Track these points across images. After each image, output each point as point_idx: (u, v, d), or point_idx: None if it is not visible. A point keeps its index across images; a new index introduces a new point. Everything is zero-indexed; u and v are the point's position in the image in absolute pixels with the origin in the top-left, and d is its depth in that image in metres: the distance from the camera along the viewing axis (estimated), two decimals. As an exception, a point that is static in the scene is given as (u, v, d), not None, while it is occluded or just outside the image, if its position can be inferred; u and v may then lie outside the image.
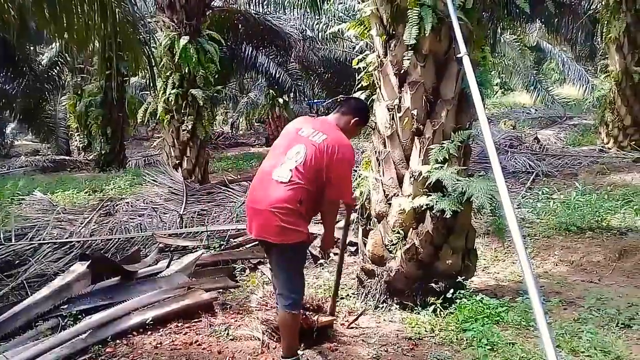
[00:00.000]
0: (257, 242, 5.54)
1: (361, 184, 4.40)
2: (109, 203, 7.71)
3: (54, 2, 4.94)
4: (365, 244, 4.18)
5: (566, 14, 13.13)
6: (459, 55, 3.31)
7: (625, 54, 9.52)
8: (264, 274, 4.83)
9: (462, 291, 3.75)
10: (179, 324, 3.76)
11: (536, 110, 16.84)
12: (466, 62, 3.17)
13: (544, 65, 21.97)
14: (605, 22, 10.03)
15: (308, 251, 5.37)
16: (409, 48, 3.77)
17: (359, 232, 4.36)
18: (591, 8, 12.13)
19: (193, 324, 3.78)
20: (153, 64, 6.24)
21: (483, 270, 5.01)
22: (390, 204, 3.94)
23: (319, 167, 2.86)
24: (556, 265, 4.95)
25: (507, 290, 4.30)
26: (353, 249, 5.40)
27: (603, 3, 9.77)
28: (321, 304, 3.53)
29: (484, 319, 3.50)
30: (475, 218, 4.49)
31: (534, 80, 17.05)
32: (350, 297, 4.21)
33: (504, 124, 14.37)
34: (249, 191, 3.07)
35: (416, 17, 3.63)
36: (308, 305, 3.44)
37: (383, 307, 3.91)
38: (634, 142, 9.54)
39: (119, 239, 5.81)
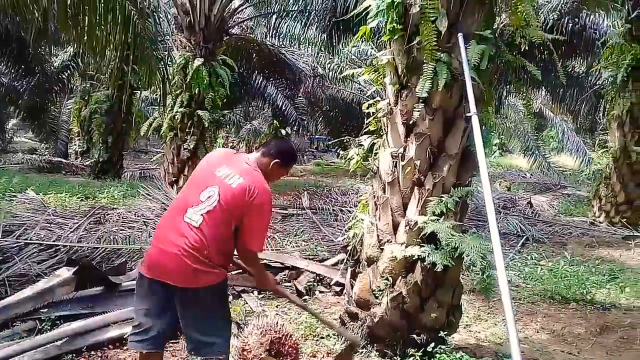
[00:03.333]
0: (239, 271, 5.56)
1: (356, 225, 4.43)
2: (100, 211, 7.68)
3: (77, 9, 5.07)
4: (352, 286, 4.18)
5: (572, 86, 13.43)
6: (468, 114, 3.40)
7: (625, 132, 9.71)
8: (247, 303, 4.80)
9: (443, 346, 3.74)
10: (156, 344, 3.71)
11: (532, 175, 17.03)
12: (475, 121, 3.26)
13: (544, 132, 22.35)
14: (610, 99, 10.27)
15: (293, 285, 5.37)
16: (420, 100, 3.85)
17: (347, 274, 4.36)
18: (597, 83, 12.41)
19: (171, 344, 3.74)
20: (166, 81, 6.33)
21: (465, 327, 5.00)
22: (382, 249, 3.97)
23: (233, 211, 2.69)
24: (537, 332, 4.94)
25: (486, 351, 4.29)
26: (338, 289, 5.40)
27: (610, 80, 10.01)
28: (286, 347, 3.34)
29: (462, 378, 3.49)
30: (463, 274, 4.52)
31: (533, 145, 17.29)
32: (331, 337, 4.18)
33: (499, 184, 14.52)
34: (157, 228, 2.84)
35: (431, 71, 3.73)
36: (269, 345, 3.29)
37: (362, 352, 3.89)
38: (625, 219, 9.64)
39: (105, 248, 5.77)
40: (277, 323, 3.34)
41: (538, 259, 7.14)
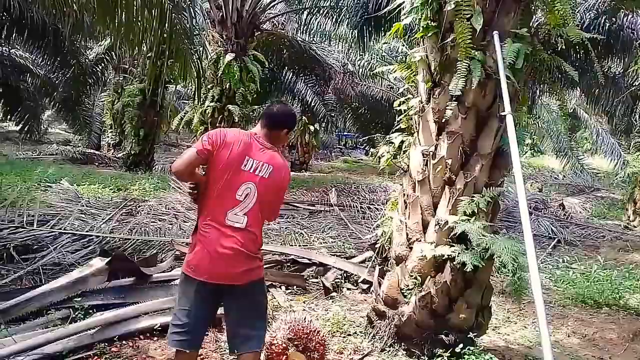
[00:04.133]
0: (271, 264, 5.60)
1: (385, 223, 4.42)
2: (131, 203, 7.82)
3: (115, 3, 5.14)
4: (380, 285, 4.17)
5: (608, 86, 13.10)
6: (503, 113, 3.35)
7: (662, 135, 9.44)
8: (275, 298, 4.83)
9: (472, 348, 3.70)
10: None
11: (564, 176, 16.69)
12: (509, 121, 3.21)
13: (578, 133, 21.85)
14: (647, 101, 10.00)
15: (321, 281, 5.38)
16: (453, 98, 3.82)
17: (376, 272, 4.35)
18: (634, 84, 12.08)
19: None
20: (200, 76, 6.40)
21: (494, 329, 4.94)
22: (411, 248, 3.94)
23: (270, 199, 2.76)
24: (568, 336, 4.85)
25: (515, 354, 4.23)
26: (365, 286, 5.39)
27: (647, 82, 9.76)
28: (314, 342, 3.33)
29: (490, 379, 3.45)
30: (493, 276, 4.46)
31: (566, 146, 16.92)
32: (358, 335, 4.18)
33: (531, 185, 14.27)
34: (200, 230, 2.71)
35: (465, 69, 3.69)
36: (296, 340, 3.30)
37: (389, 350, 3.88)
38: (660, 224, 9.41)
39: (137, 240, 5.88)
40: (304, 319, 3.35)
41: (570, 262, 7.01)
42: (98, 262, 3.99)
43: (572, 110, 17.96)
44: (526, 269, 3.82)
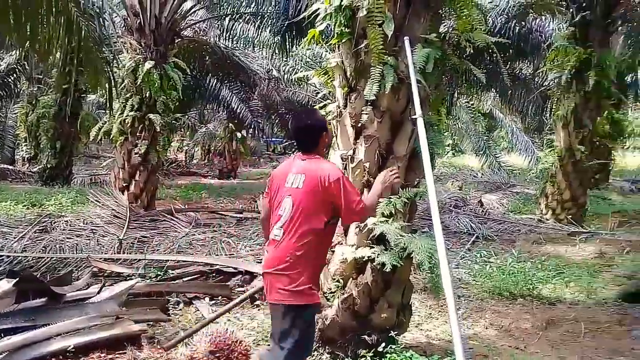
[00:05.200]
0: (195, 276, 5.49)
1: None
2: (46, 219, 7.44)
3: (20, 11, 4.90)
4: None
5: (520, 87, 13.86)
6: (414, 117, 3.45)
7: (570, 132, 10.05)
8: (198, 310, 4.73)
9: (394, 346, 3.78)
10: (102, 355, 3.62)
11: (482, 174, 17.44)
12: (420, 123, 3.31)
13: (495, 133, 22.96)
14: (555, 100, 10.62)
15: (247, 290, 5.33)
16: (368, 103, 3.90)
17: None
18: (543, 84, 12.84)
19: (117, 355, 3.65)
20: (113, 84, 6.18)
21: (416, 326, 5.07)
22: (333, 251, 3.98)
23: (314, 206, 2.80)
24: (486, 328, 5.06)
25: (436, 349, 4.36)
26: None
27: (555, 82, 10.37)
28: (236, 353, 3.30)
29: (412, 376, 3.54)
30: (414, 274, 4.59)
31: (484, 145, 17.72)
32: (283, 341, 4.16)
33: (452, 184, 14.80)
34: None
35: (378, 74, 3.78)
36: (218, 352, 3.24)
37: (314, 355, 3.88)
38: (570, 216, 9.98)
39: (51, 258, 5.59)
40: (227, 330, 3.30)
41: (488, 257, 7.31)
42: (4, 284, 3.76)
43: (488, 111, 18.86)
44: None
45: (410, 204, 3.98)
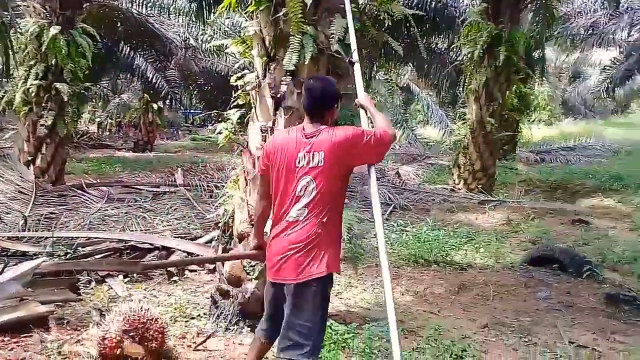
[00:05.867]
0: (108, 253, 5.27)
1: (226, 201, 4.35)
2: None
3: None
4: (223, 264, 4.11)
5: (435, 62, 14.23)
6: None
7: (481, 105, 10.48)
8: (112, 288, 4.54)
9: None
10: (5, 339, 3.41)
11: (400, 147, 17.91)
12: (357, 68, 3.32)
13: (411, 106, 23.54)
14: (468, 74, 11.01)
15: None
16: (288, 73, 3.83)
17: (219, 251, 4.28)
18: (457, 59, 13.25)
19: (22, 339, 3.44)
20: (10, 51, 5.69)
21: (336, 295, 5.16)
22: (253, 224, 3.92)
23: (338, 183, 2.71)
24: (402, 294, 5.24)
25: (355, 317, 4.47)
26: (212, 267, 5.30)
27: (468, 56, 10.72)
28: (152, 331, 3.15)
29: (331, 345, 3.60)
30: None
31: (401, 119, 18.14)
32: (202, 317, 4.10)
33: (371, 156, 15.07)
34: (273, 238, 2.79)
35: (297, 44, 3.71)
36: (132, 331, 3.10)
37: (234, 329, 3.86)
38: (481, 186, 10.49)
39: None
40: (141, 307, 3.18)
41: (404, 226, 7.54)
42: None
43: (405, 84, 19.27)
44: (362, 236, 4.04)
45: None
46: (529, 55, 12.78)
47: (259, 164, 2.83)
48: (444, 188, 10.94)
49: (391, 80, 16.55)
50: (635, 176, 11.37)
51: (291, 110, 3.86)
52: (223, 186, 8.69)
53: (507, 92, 10.78)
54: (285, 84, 3.87)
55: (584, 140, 18.23)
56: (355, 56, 3.38)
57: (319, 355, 2.87)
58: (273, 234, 2.77)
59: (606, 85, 17.62)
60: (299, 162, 2.68)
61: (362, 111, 3.13)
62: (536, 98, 21.44)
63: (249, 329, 3.87)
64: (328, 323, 3.75)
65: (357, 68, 3.32)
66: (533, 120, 21.39)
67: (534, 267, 5.77)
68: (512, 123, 14.53)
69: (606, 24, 15.10)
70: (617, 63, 16.15)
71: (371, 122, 3.02)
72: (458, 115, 12.81)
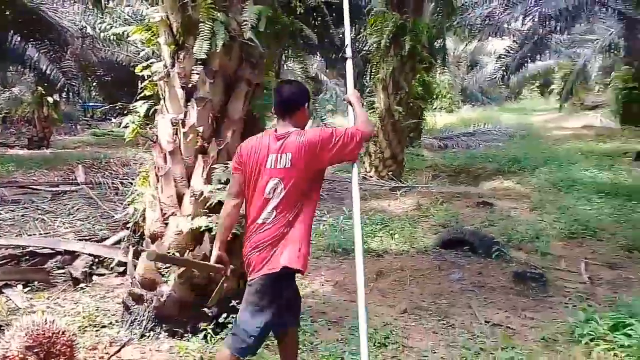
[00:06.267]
0: (4, 261, 4.82)
1: (136, 200, 4.09)
2: None
3: None
4: (135, 266, 3.87)
5: (341, 51, 14.34)
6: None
7: (389, 94, 10.71)
8: (10, 300, 4.14)
9: (235, 315, 3.68)
10: None
11: (312, 137, 18.01)
12: (349, 64, 3.38)
13: (320, 96, 23.73)
14: (375, 64, 11.20)
15: (68, 272, 4.82)
16: (199, 62, 3.66)
17: (130, 253, 4.02)
18: (364, 49, 13.45)
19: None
20: None
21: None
22: (167, 223, 3.73)
23: (306, 184, 2.72)
24: (322, 285, 5.22)
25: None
26: (122, 269, 4.99)
27: (375, 46, 10.88)
28: (59, 345, 2.89)
29: (256, 344, 3.49)
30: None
31: (311, 108, 18.20)
32: (114, 325, 3.84)
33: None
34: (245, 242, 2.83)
35: (208, 31, 3.54)
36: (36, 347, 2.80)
37: (150, 335, 3.64)
38: (391, 173, 10.74)
39: None
40: (45, 320, 2.90)
41: (320, 216, 7.53)
42: None
43: (314, 74, 19.36)
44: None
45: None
46: (431, 44, 13.23)
47: (232, 162, 2.90)
48: (356, 176, 11.06)
49: (301, 70, 16.57)
50: (530, 158, 12.16)
51: (204, 101, 3.69)
52: (131, 183, 8.30)
53: (413, 81, 11.08)
54: (197, 74, 3.70)
55: (482, 126, 19.23)
56: (348, 51, 3.36)
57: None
58: (246, 237, 2.81)
59: (501, 73, 18.63)
60: (268, 164, 2.70)
61: (349, 107, 3.19)
62: (438, 86, 22.36)
63: (167, 334, 3.67)
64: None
65: (349, 63, 3.29)
66: (435, 108, 22.26)
67: (446, 250, 5.96)
68: (417, 111, 15.00)
69: (501, 14, 15.92)
70: (512, 52, 17.10)
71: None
72: (367, 104, 13.01)
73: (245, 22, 3.55)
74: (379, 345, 3.69)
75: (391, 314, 4.39)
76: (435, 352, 3.56)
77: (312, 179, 2.77)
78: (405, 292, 4.96)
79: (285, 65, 16.89)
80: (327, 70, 18.21)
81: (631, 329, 3.31)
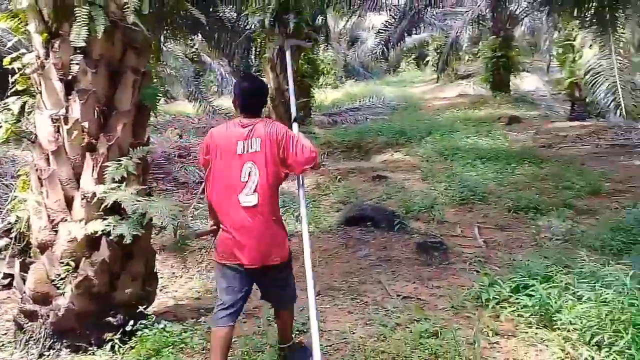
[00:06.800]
0: None
1: (17, 207, 3.67)
2: None
3: None
4: (24, 281, 3.48)
5: (225, 31, 13.93)
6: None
7: (278, 73, 10.62)
8: None
9: (144, 321, 3.46)
10: None
11: (199, 119, 17.39)
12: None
13: (204, 77, 22.98)
14: (260, 43, 11.00)
15: None
16: (77, 51, 3.31)
17: (16, 266, 3.61)
18: (247, 28, 13.14)
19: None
20: None
21: (161, 290, 4.80)
22: (57, 231, 3.38)
23: (275, 163, 2.86)
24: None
25: (187, 311, 4.20)
26: (6, 281, 4.49)
27: (259, 25, 10.67)
28: None
29: (168, 349, 3.30)
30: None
31: (195, 90, 17.60)
32: (7, 346, 3.45)
33: (171, 132, 14.37)
34: (226, 223, 2.89)
35: (85, 16, 3.19)
36: None
37: (50, 354, 3.31)
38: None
39: None
40: None
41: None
42: None
43: (196, 55, 18.67)
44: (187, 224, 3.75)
45: (143, 165, 3.60)
46: (314, 22, 13.24)
47: (199, 158, 3.08)
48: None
49: (182, 51, 15.90)
50: (415, 129, 12.65)
51: (87, 94, 3.36)
52: (5, 185, 7.49)
53: (299, 59, 11.04)
54: (76, 64, 3.34)
55: (367, 100, 19.72)
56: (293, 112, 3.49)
57: None
58: (226, 221, 2.88)
59: (381, 48, 19.11)
60: (239, 150, 2.84)
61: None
62: (323, 63, 22.54)
63: (69, 349, 3.36)
64: (161, 326, 3.47)
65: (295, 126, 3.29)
66: (322, 85, 22.47)
67: (350, 227, 6.02)
68: (305, 89, 15.03)
69: (379, -11, 16.24)
70: (390, 26, 17.56)
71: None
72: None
73: (126, 5, 3.25)
74: (298, 332, 3.64)
75: (304, 298, 4.34)
76: (353, 333, 3.58)
77: (280, 166, 2.89)
78: (316, 274, 4.93)
79: (164, 47, 16.10)
80: (210, 50, 17.53)
81: (533, 290, 3.55)
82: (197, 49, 19.13)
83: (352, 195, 7.53)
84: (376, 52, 21.16)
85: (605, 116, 12.77)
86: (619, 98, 8.44)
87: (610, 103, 8.88)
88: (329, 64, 25.72)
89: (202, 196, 7.95)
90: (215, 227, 3.08)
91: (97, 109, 3.38)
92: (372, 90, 22.83)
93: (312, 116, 16.68)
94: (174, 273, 5.11)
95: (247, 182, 2.81)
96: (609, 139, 10.95)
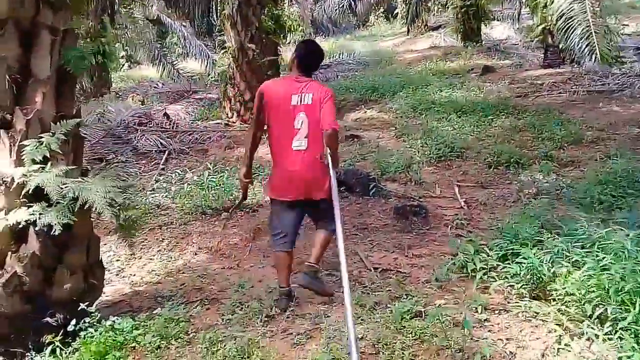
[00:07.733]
0: None
1: None
2: None
3: None
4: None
5: (181, -11, 13.12)
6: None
7: (239, 31, 9.92)
8: None
9: (88, 319, 3.02)
10: None
11: (163, 84, 16.60)
12: None
13: (167, 39, 21.98)
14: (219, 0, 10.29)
15: None
16: (-22, 9, 2.75)
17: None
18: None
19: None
20: None
21: (117, 274, 4.39)
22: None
23: (318, 115, 3.24)
24: (195, 254, 4.67)
25: (144, 298, 3.80)
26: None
27: (214, -21, 9.95)
28: None
29: (117, 351, 2.88)
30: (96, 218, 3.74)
31: (158, 54, 16.78)
32: None
33: (132, 99, 13.63)
34: (280, 164, 3.37)
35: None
36: None
37: (-22, 365, 2.88)
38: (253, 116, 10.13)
39: None
40: None
41: (183, 174, 6.82)
42: None
43: (156, 17, 17.72)
44: (129, 205, 3.29)
45: (74, 141, 3.08)
46: (275, -25, 12.47)
47: (255, 102, 3.45)
48: (218, 124, 10.30)
49: (140, 13, 15.03)
50: (387, 84, 12.15)
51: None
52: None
53: (262, 15, 10.35)
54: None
55: (337, 56, 19.06)
56: None
57: None
58: (281, 162, 3.37)
59: (348, 1, 18.42)
60: (293, 102, 3.27)
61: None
62: (289, 19, 21.67)
63: (2, 358, 2.92)
64: (108, 323, 3.04)
65: None
66: (289, 42, 21.67)
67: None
68: (271, 47, 14.33)
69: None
70: (358, -21, 16.90)
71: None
72: (218, 44, 12.13)
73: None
74: (266, 319, 3.25)
75: (275, 277, 3.95)
76: (328, 316, 3.20)
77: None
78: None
79: (121, 9, 15.18)
80: (170, 11, 16.59)
81: (523, 257, 3.19)
82: (156, 10, 18.16)
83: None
84: (343, 6, 20.41)
85: (580, 62, 12.42)
86: (594, 43, 8.04)
87: (585, 48, 8.48)
88: (295, 20, 24.83)
89: (163, 166, 7.47)
90: (246, 180, 3.63)
91: (8, 78, 2.84)
92: (342, 46, 22.16)
93: (280, 75, 16.05)
94: (133, 254, 4.65)
95: (300, 129, 3.24)
96: (586, 85, 10.58)
